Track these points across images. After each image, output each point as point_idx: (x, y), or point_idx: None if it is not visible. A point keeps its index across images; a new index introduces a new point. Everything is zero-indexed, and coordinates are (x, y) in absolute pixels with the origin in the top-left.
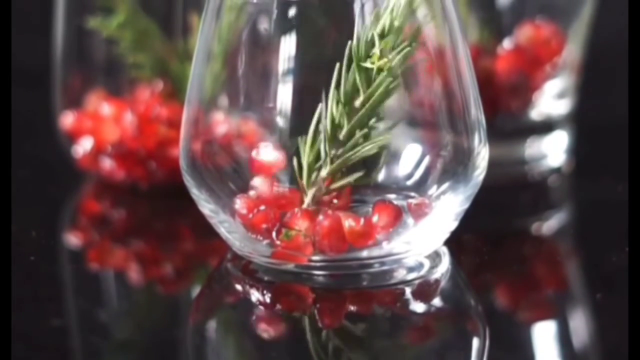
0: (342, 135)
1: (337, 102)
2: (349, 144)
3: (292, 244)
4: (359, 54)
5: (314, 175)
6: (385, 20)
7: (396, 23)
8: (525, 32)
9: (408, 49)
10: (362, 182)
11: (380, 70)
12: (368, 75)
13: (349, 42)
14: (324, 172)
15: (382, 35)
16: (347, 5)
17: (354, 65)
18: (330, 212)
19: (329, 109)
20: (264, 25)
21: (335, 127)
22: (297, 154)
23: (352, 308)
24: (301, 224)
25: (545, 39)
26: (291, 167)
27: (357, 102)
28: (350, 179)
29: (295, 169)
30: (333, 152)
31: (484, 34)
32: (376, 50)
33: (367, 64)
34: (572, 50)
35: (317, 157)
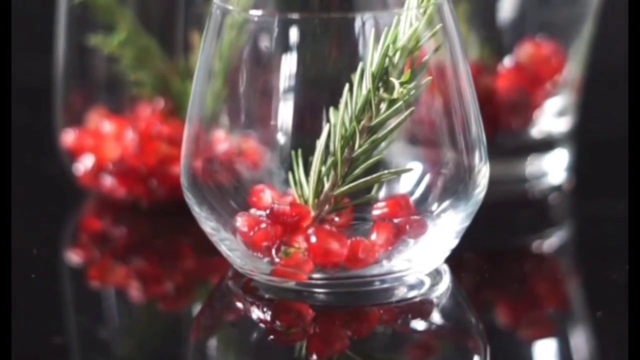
0: (353, 155)
1: (348, 122)
2: (362, 166)
3: (292, 261)
4: (374, 82)
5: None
6: (400, 45)
7: (410, 45)
8: (525, 50)
9: (428, 79)
10: (363, 200)
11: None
12: (382, 99)
13: (360, 64)
14: (333, 192)
15: (396, 54)
16: (347, 23)
17: (366, 86)
18: (327, 226)
19: (338, 130)
20: (264, 43)
21: (345, 147)
22: (292, 169)
23: (352, 326)
24: (301, 242)
25: (545, 57)
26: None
27: (368, 123)
28: (359, 200)
29: (293, 184)
30: (341, 170)
31: (485, 52)
32: (394, 82)
33: (386, 95)
34: (573, 68)
35: (322, 176)
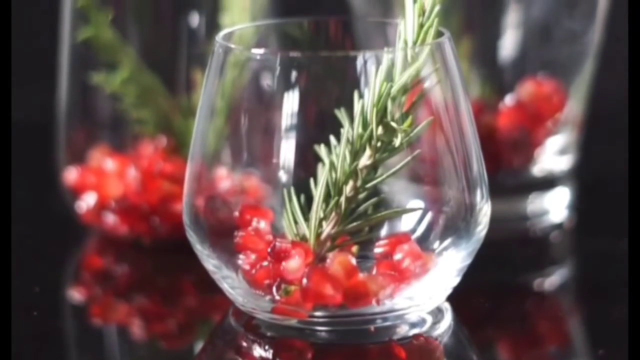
0: (350, 194)
1: (348, 161)
2: (362, 207)
3: (292, 299)
4: (373, 120)
5: (322, 233)
6: (400, 84)
7: (409, 83)
8: (526, 89)
9: (429, 120)
10: (364, 238)
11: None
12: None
13: (361, 101)
14: (332, 230)
15: (395, 99)
16: (349, 62)
17: (360, 125)
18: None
19: (339, 168)
20: (267, 81)
21: (342, 186)
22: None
23: None
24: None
25: (546, 95)
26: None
27: (365, 162)
28: (360, 239)
29: (289, 223)
30: (342, 209)
31: (486, 90)
32: (397, 128)
33: (385, 138)
34: (574, 107)
35: (318, 209)
